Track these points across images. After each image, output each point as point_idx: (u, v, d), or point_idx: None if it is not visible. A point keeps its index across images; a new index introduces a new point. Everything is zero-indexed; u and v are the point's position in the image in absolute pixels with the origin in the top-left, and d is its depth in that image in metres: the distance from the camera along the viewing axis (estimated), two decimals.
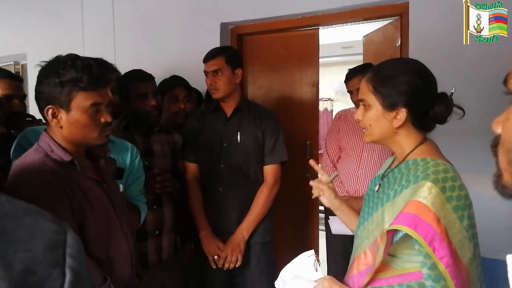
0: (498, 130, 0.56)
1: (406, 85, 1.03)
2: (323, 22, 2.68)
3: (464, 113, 1.05)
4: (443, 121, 1.06)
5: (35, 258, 0.36)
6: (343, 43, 5.77)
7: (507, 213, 2.00)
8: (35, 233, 0.38)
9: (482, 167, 1.88)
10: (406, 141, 1.08)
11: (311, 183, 1.30)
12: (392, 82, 1.04)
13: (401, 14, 2.38)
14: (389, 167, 1.17)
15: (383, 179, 1.13)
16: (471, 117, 2.00)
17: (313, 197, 1.32)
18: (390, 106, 1.04)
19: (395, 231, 0.97)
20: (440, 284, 0.92)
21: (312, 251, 1.00)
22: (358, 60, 3.77)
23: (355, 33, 4.28)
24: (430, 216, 0.92)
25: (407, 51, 2.29)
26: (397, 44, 2.49)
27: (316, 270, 0.96)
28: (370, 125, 1.09)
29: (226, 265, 1.89)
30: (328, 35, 4.53)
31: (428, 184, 0.95)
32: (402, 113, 1.04)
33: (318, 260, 0.97)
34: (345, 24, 2.80)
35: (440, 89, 1.08)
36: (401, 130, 1.07)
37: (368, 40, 3.12)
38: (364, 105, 1.10)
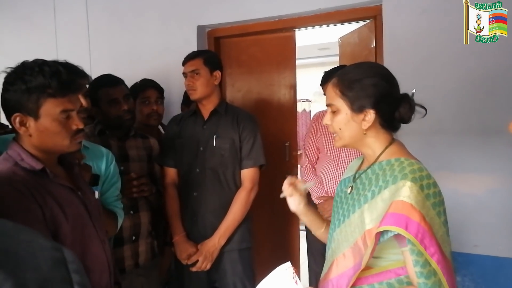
0: None
1: (372, 87, 1.05)
2: (299, 25, 2.71)
3: (426, 112, 1.08)
4: (407, 120, 1.09)
5: (45, 277, 0.35)
6: (320, 44, 5.83)
7: (480, 209, 2.06)
8: (36, 251, 0.37)
9: (454, 166, 1.93)
10: (376, 142, 1.10)
11: (286, 182, 1.25)
12: (358, 85, 1.06)
13: (375, 17, 2.42)
14: (359, 168, 1.18)
15: (355, 181, 1.14)
16: (444, 118, 2.06)
17: (281, 195, 1.27)
18: (358, 108, 1.06)
19: (381, 232, 0.97)
20: (431, 280, 0.93)
21: (289, 263, 0.98)
22: (335, 61, 3.81)
23: (331, 34, 4.33)
24: (416, 214, 0.94)
25: (382, 52, 2.33)
26: (372, 46, 2.53)
27: (296, 283, 0.95)
28: (340, 129, 1.10)
29: (194, 269, 1.89)
30: (304, 37, 4.57)
31: (408, 183, 0.96)
32: (371, 115, 1.06)
33: (296, 272, 0.96)
34: (321, 26, 2.83)
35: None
36: (370, 132, 1.08)
37: (343, 41, 3.16)
38: (332, 110, 1.12)
